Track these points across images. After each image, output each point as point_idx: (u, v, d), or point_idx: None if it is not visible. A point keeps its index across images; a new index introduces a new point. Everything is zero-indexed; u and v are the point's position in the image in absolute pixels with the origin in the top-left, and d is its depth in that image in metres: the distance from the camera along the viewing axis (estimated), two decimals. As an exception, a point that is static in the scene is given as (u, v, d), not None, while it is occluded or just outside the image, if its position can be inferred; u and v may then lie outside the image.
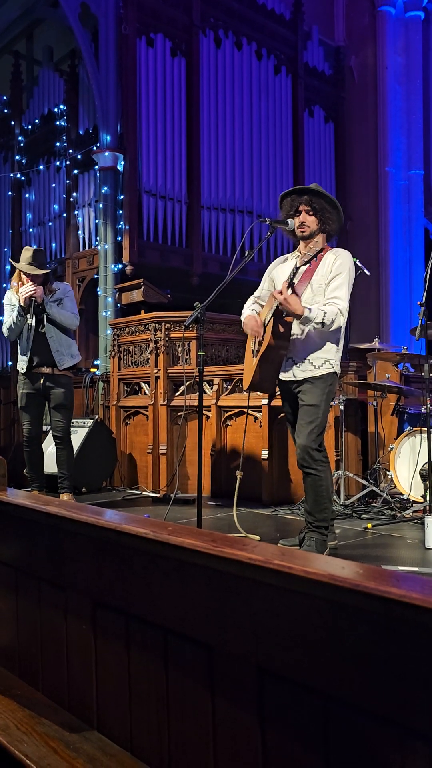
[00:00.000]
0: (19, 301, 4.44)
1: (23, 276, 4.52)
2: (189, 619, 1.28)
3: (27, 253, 4.52)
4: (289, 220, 3.38)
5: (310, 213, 3.29)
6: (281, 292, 3.11)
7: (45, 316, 4.48)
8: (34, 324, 4.46)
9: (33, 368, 4.51)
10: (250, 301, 3.61)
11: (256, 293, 3.61)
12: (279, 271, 3.49)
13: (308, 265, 3.18)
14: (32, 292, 4.39)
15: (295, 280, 3.20)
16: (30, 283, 4.45)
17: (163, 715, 1.34)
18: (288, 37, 8.86)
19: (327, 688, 1.02)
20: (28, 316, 4.45)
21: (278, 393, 3.51)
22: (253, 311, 3.55)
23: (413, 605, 0.86)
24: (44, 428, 4.84)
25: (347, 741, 0.99)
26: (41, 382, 4.52)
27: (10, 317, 4.53)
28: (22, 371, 4.56)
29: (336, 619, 1.00)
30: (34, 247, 4.68)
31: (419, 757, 0.90)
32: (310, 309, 3.15)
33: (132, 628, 1.44)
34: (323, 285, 3.27)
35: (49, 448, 5.31)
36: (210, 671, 1.23)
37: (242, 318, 3.53)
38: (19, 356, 4.62)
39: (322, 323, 3.16)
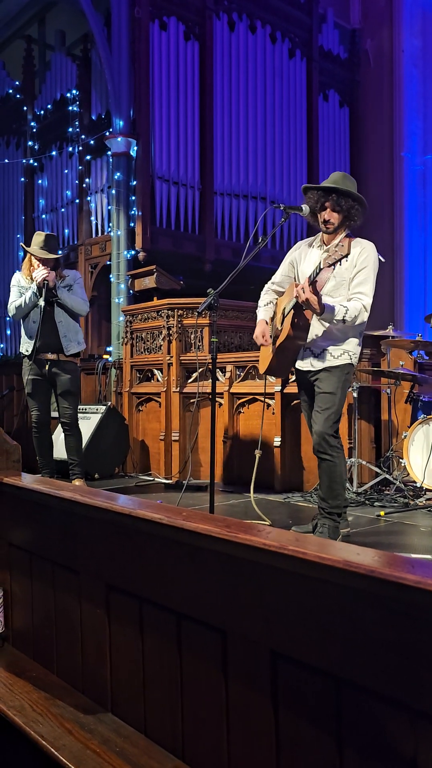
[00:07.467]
0: (36, 284, 4.45)
1: (34, 261, 4.54)
2: (202, 603, 1.28)
3: (39, 237, 4.55)
4: (304, 206, 3.35)
5: (336, 210, 3.26)
6: (303, 289, 3.07)
7: (55, 301, 4.49)
8: (43, 307, 4.46)
9: (38, 353, 4.50)
10: (266, 288, 3.60)
11: (275, 278, 3.58)
12: (300, 256, 3.45)
13: (332, 267, 3.14)
14: (45, 275, 4.41)
15: (318, 278, 3.16)
16: (42, 267, 4.47)
17: (176, 698, 1.35)
18: (302, 19, 8.74)
19: (340, 672, 1.02)
20: (41, 299, 4.46)
21: (292, 380, 3.50)
22: (270, 305, 3.55)
23: (428, 591, 0.86)
24: (53, 414, 4.86)
25: (360, 724, 1.00)
26: (46, 368, 4.52)
27: (19, 298, 4.54)
28: (27, 353, 4.56)
29: (350, 604, 1.00)
30: (46, 232, 4.69)
31: (433, 741, 0.91)
32: (331, 306, 3.12)
33: (145, 612, 1.45)
34: (347, 278, 3.24)
35: (60, 434, 5.34)
36: (223, 655, 1.23)
37: (257, 312, 3.57)
38: (24, 339, 4.61)
39: (344, 320, 3.13)
